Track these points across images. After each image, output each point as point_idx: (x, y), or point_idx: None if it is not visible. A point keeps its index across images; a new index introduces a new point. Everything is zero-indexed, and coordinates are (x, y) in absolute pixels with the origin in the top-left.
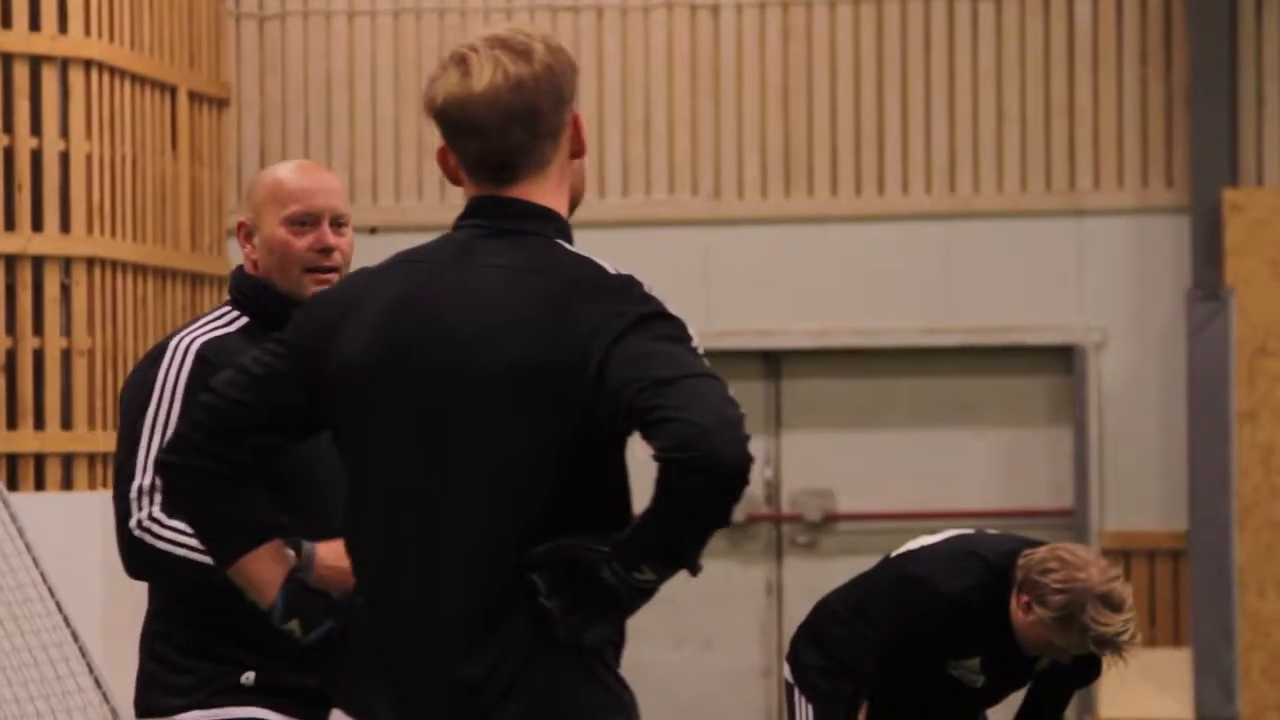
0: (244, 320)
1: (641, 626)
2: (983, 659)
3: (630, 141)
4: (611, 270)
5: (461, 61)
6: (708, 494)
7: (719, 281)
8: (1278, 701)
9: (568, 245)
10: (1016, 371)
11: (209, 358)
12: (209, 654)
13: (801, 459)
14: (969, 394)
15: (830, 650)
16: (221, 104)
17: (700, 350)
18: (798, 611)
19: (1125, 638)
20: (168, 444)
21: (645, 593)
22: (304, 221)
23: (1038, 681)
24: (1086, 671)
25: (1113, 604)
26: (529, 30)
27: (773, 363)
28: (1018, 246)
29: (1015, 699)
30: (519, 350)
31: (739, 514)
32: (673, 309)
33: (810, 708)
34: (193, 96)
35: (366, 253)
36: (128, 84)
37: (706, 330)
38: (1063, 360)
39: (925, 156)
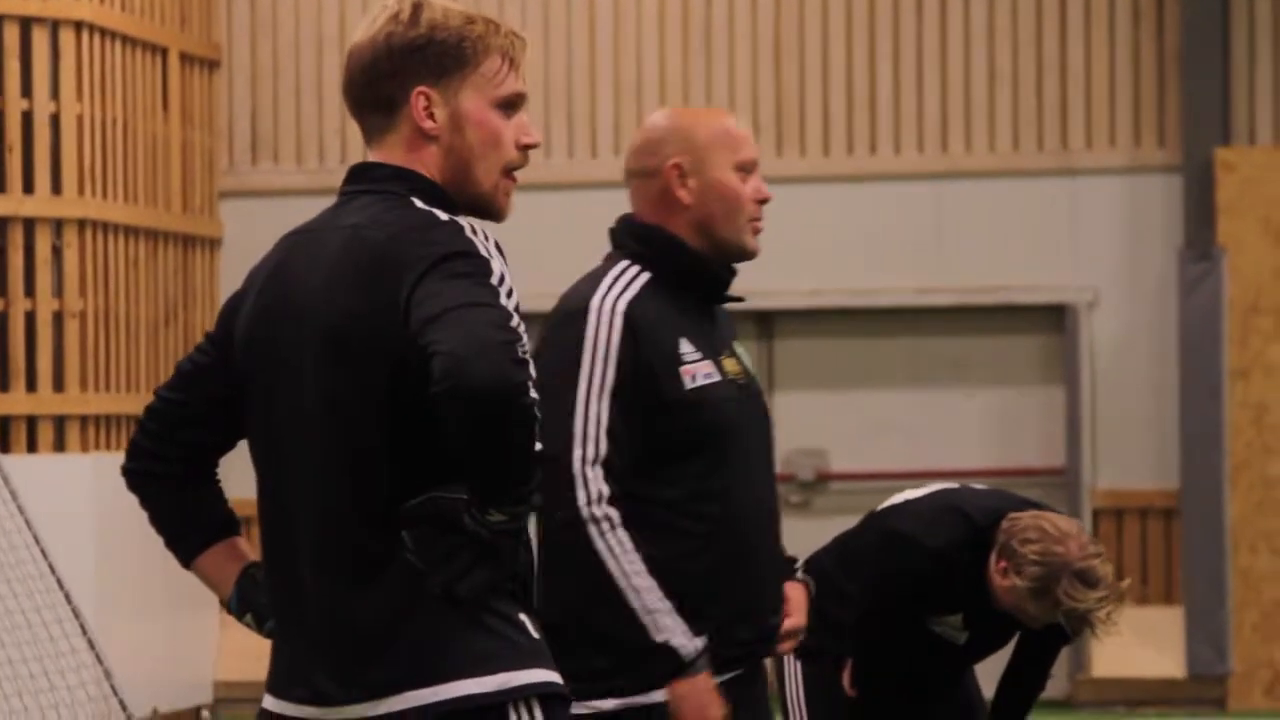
0: (646, 275)
1: None
2: (965, 616)
3: (622, 103)
4: (443, 218)
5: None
6: (473, 422)
7: None
8: (1269, 658)
9: (419, 202)
10: (1009, 331)
11: (634, 317)
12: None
13: (794, 419)
14: (961, 353)
15: (818, 608)
16: (213, 65)
17: (500, 285)
18: None
19: (1098, 615)
20: (128, 451)
21: (508, 534)
22: (749, 169)
23: (1024, 639)
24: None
25: (1088, 581)
26: (399, 1)
27: (765, 323)
28: (1010, 206)
29: (1002, 656)
30: (346, 306)
31: None
32: (485, 249)
33: (798, 665)
34: (184, 58)
35: None
36: (119, 45)
37: None
38: (1055, 319)
39: (917, 116)
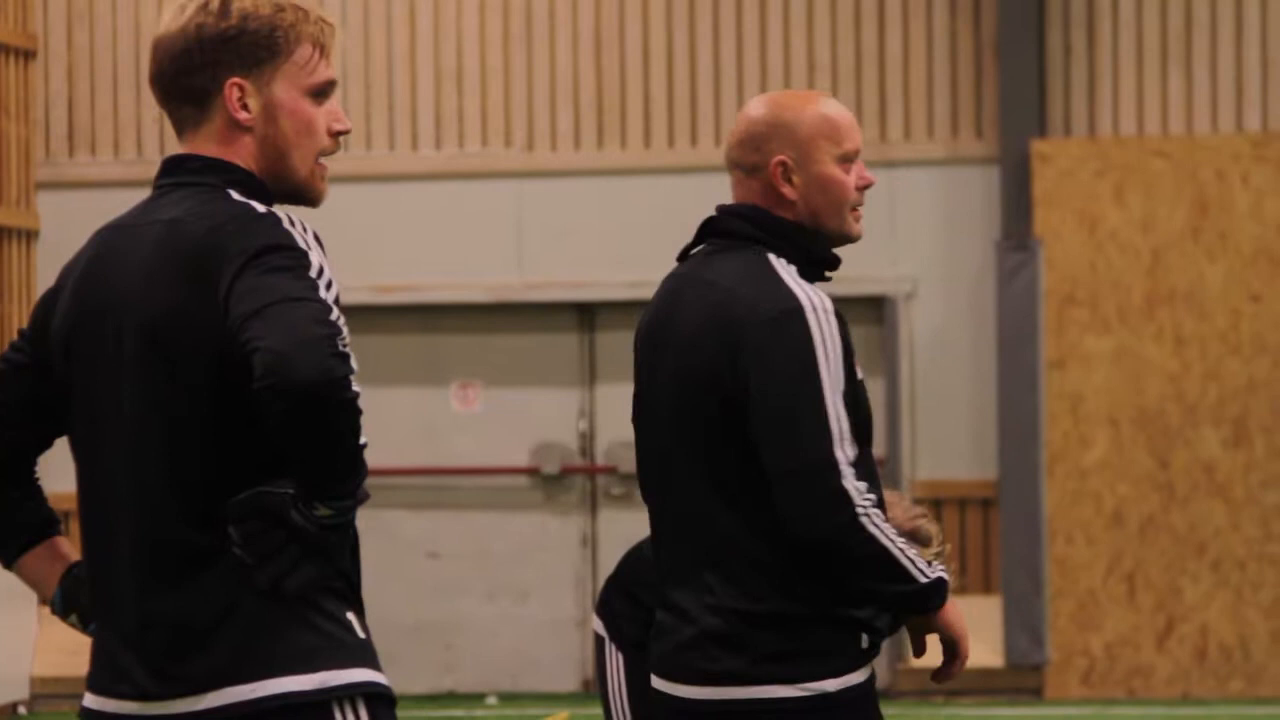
0: (794, 266)
1: (456, 578)
2: None
3: (443, 93)
4: (260, 210)
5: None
6: (296, 418)
7: (532, 234)
8: (1085, 647)
9: (236, 194)
10: None
11: (837, 312)
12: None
13: (616, 411)
14: None
15: (642, 599)
16: (29, 55)
17: (319, 278)
18: (612, 563)
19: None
20: None
21: (335, 529)
22: (852, 159)
23: None
24: None
25: (920, 539)
26: None
27: (586, 315)
28: None
29: None
30: (164, 301)
31: (554, 466)
32: (304, 241)
33: (620, 658)
34: None
35: None
36: None
37: (519, 282)
38: (874, 310)
39: (737, 107)
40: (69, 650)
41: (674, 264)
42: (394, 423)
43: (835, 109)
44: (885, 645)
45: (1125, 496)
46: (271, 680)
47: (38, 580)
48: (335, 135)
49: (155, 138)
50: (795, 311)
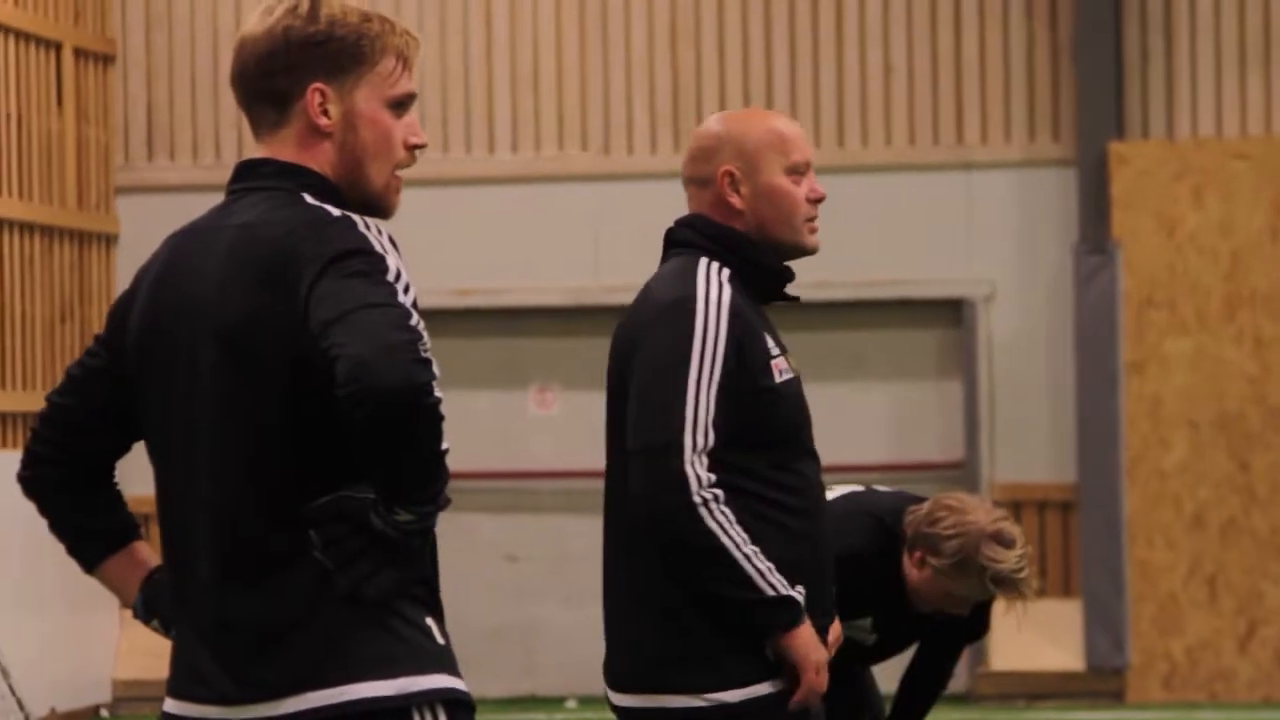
0: (728, 272)
1: (535, 582)
2: (874, 619)
3: (519, 96)
4: (335, 214)
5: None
6: (380, 424)
7: (609, 237)
8: (1166, 651)
9: (310, 198)
10: (906, 325)
11: (738, 311)
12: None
13: None
14: (859, 348)
15: None
16: (107, 60)
17: (397, 282)
18: None
19: (1022, 574)
20: (23, 459)
21: (416, 534)
22: (802, 171)
23: (926, 638)
24: (976, 627)
25: (1005, 541)
26: None
27: None
28: (906, 200)
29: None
30: (241, 306)
31: None
32: (380, 245)
33: None
34: (78, 53)
35: None
36: (11, 40)
37: (596, 285)
38: (952, 313)
39: (814, 110)
40: (151, 653)
41: None
42: (472, 426)
43: (785, 123)
44: (967, 650)
45: (1205, 499)
46: (351, 686)
47: (119, 586)
48: (411, 149)
49: (233, 141)
50: (684, 300)
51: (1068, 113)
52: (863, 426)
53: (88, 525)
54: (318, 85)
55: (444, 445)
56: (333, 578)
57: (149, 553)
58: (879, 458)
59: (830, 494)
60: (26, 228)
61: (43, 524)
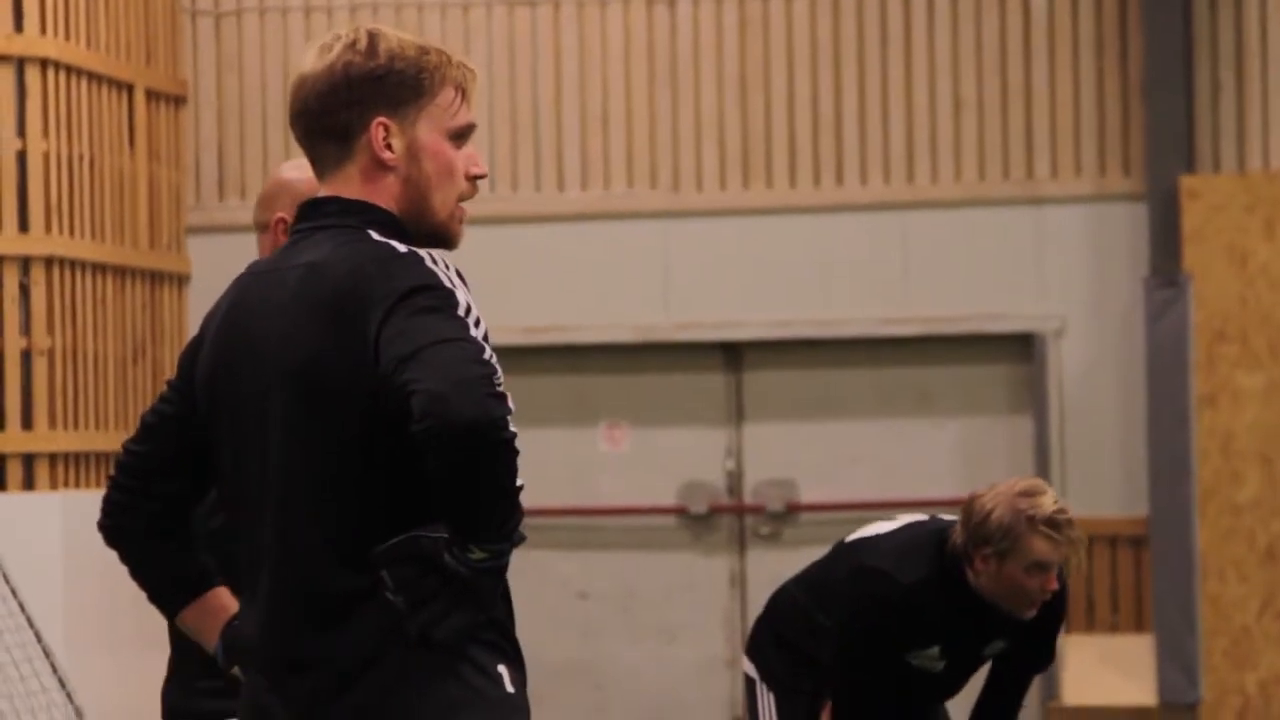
0: None
1: (604, 619)
2: (941, 646)
3: (589, 135)
4: (401, 250)
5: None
6: (457, 459)
7: (678, 274)
8: (1239, 685)
9: (375, 235)
10: (976, 360)
11: None
12: None
13: (763, 450)
14: (929, 383)
15: (791, 640)
16: (179, 101)
17: (468, 316)
18: (761, 602)
19: (1065, 514)
20: (102, 508)
21: (489, 573)
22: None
23: (996, 667)
24: (1041, 654)
25: (1035, 490)
26: (382, 29)
27: (733, 354)
28: (976, 235)
29: (974, 688)
30: (311, 346)
31: (701, 506)
32: (448, 279)
33: (772, 697)
34: (150, 94)
35: None
36: (84, 82)
37: (666, 323)
38: (1022, 348)
39: (883, 146)
40: None
41: (821, 302)
42: (542, 463)
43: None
44: (1036, 682)
45: (1278, 533)
46: None
47: (200, 633)
48: (473, 179)
49: None
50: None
51: (1137, 146)
52: (933, 462)
53: (167, 573)
54: (381, 119)
55: (519, 481)
56: (403, 621)
57: (228, 599)
58: (949, 493)
59: (892, 524)
60: (99, 268)
61: (113, 562)
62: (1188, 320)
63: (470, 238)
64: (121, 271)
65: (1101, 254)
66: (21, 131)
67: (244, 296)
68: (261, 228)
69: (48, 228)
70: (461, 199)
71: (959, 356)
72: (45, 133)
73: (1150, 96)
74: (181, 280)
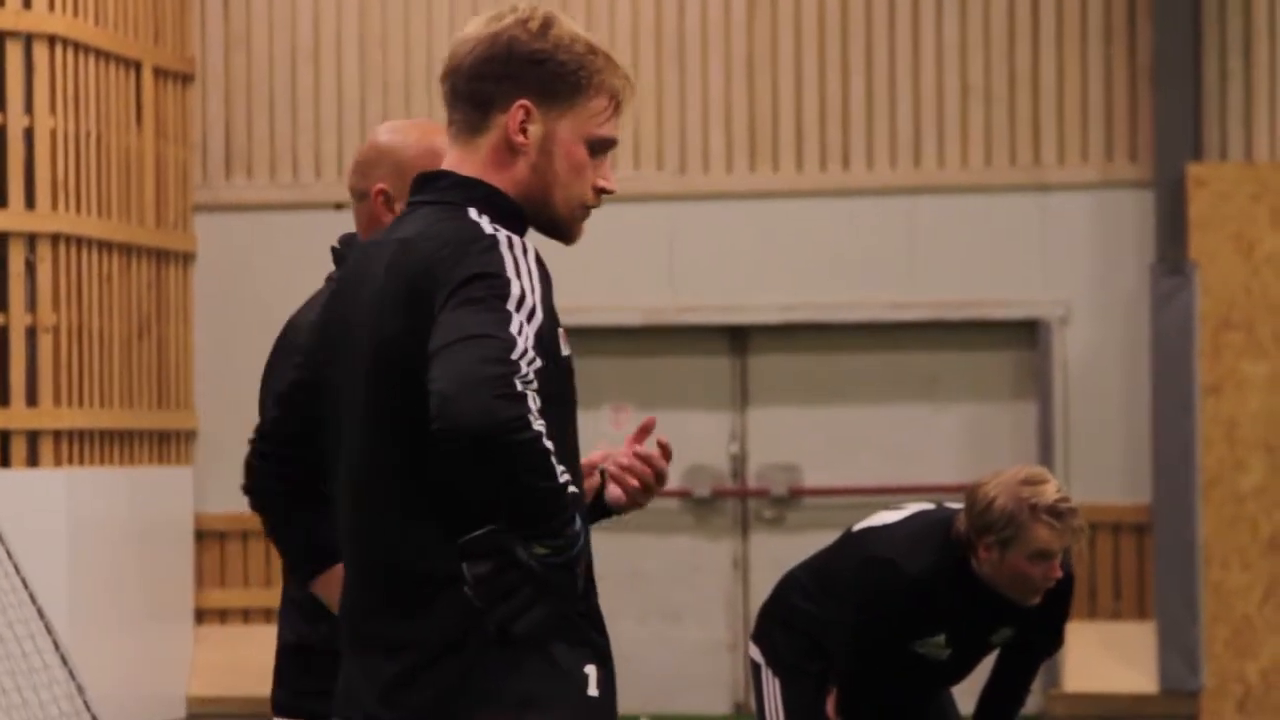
0: None
1: (609, 600)
2: (947, 634)
3: None
4: (486, 232)
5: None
6: (468, 459)
7: (684, 258)
8: (1240, 674)
9: (472, 213)
10: (981, 346)
11: None
12: None
13: (767, 434)
14: (934, 368)
15: (797, 626)
16: (186, 79)
17: (518, 309)
18: (764, 586)
19: (1067, 502)
20: (245, 472)
21: (560, 568)
22: None
23: (1003, 654)
24: (1049, 641)
25: (1037, 479)
26: (560, 16)
27: (739, 338)
28: (982, 221)
29: (979, 677)
30: (388, 326)
31: (705, 489)
32: (514, 268)
33: (778, 683)
34: (158, 72)
35: (333, 228)
36: (92, 60)
37: (672, 305)
38: (1027, 334)
39: (890, 131)
40: (225, 669)
41: (827, 287)
42: None
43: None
44: (1041, 672)
45: None
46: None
47: (331, 604)
48: (599, 192)
49: (311, 161)
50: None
51: (1145, 134)
52: (937, 447)
53: (301, 540)
54: (524, 102)
55: (557, 479)
56: (483, 616)
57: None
58: (953, 478)
59: (900, 513)
60: (105, 246)
61: (116, 539)
62: (1193, 308)
63: None
64: (127, 249)
65: (1107, 241)
66: (29, 108)
67: (353, 266)
68: (359, 196)
69: (54, 205)
70: (585, 206)
71: (964, 342)
72: (53, 109)
73: (1158, 84)
74: (187, 258)
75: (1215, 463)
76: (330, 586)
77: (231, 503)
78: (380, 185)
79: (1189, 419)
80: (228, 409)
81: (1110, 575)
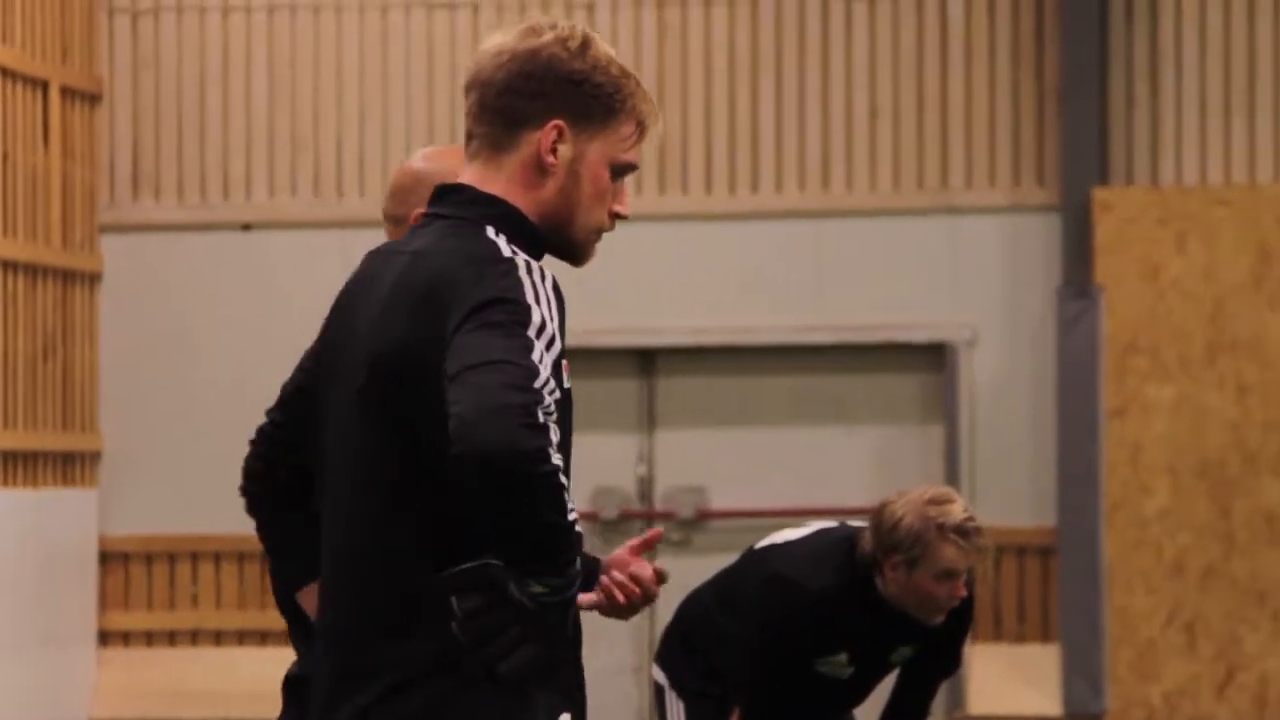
0: None
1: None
2: (849, 652)
3: None
4: (504, 254)
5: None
6: (486, 488)
7: (594, 279)
8: (1144, 697)
9: (490, 231)
10: (889, 369)
11: None
12: None
13: (675, 456)
14: (842, 391)
15: (700, 649)
16: (94, 99)
17: (538, 336)
18: (670, 609)
19: (974, 521)
20: (242, 473)
21: (553, 607)
22: None
23: (903, 674)
24: (948, 660)
25: (944, 498)
26: (596, 37)
27: (647, 360)
28: (890, 244)
29: (879, 699)
30: (391, 338)
31: (612, 511)
32: (533, 293)
33: (681, 705)
34: (65, 91)
35: (241, 249)
36: None
37: (580, 328)
38: (934, 358)
39: (799, 154)
40: (128, 693)
41: (736, 309)
42: None
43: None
44: (942, 691)
45: (1186, 545)
46: None
47: (313, 614)
48: (614, 216)
49: (219, 182)
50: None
51: (1052, 158)
52: (845, 470)
53: (288, 547)
54: (558, 122)
55: (568, 515)
56: (466, 655)
57: None
58: (861, 501)
59: (801, 531)
60: (10, 265)
61: (23, 563)
62: (1099, 332)
63: None
64: (33, 269)
65: (1015, 265)
66: None
67: (360, 274)
68: (396, 222)
69: None
70: (600, 230)
71: (872, 365)
72: None
73: (1065, 108)
74: (94, 279)
75: (1120, 486)
76: (313, 600)
77: (136, 524)
78: (419, 211)
79: (1094, 442)
80: (133, 430)
81: (1015, 598)
